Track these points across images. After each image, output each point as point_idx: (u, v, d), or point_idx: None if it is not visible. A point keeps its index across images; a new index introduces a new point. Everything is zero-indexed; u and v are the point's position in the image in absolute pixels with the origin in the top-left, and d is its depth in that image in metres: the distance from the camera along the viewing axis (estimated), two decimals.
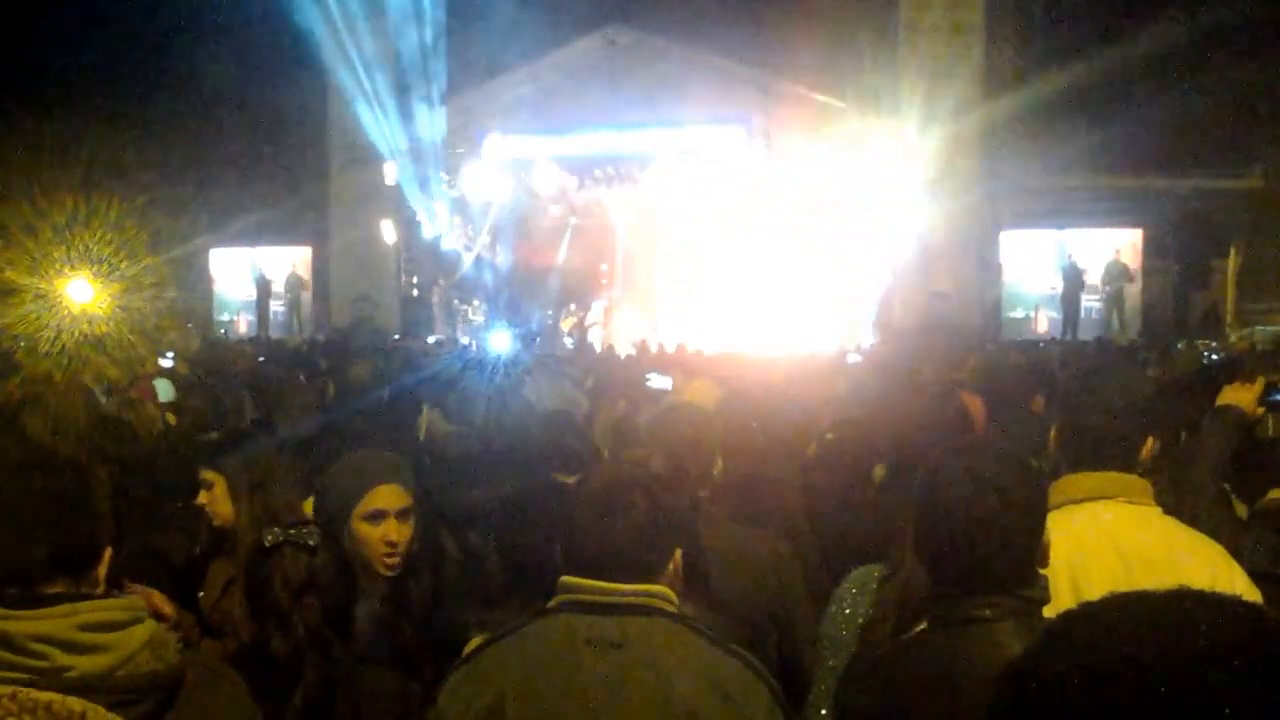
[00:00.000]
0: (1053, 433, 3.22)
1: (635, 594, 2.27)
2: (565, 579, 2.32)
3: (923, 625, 2.34)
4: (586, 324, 23.53)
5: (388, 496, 3.20)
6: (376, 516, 3.15)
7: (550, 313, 23.58)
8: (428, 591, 3.33)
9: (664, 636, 2.25)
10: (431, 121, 21.62)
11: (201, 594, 3.63)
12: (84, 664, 1.89)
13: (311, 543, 2.63)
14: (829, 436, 4.72)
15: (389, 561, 3.13)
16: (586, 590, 2.28)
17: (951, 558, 2.20)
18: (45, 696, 1.67)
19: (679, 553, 2.38)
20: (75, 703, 1.70)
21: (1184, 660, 1.00)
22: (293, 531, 2.65)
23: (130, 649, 1.94)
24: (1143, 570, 2.65)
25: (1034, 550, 2.26)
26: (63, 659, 1.88)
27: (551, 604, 2.34)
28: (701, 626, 2.35)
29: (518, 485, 3.54)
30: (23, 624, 1.89)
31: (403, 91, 21.58)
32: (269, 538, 2.64)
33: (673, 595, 2.32)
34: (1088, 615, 1.10)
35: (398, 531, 3.17)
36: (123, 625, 1.96)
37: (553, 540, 2.73)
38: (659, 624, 2.26)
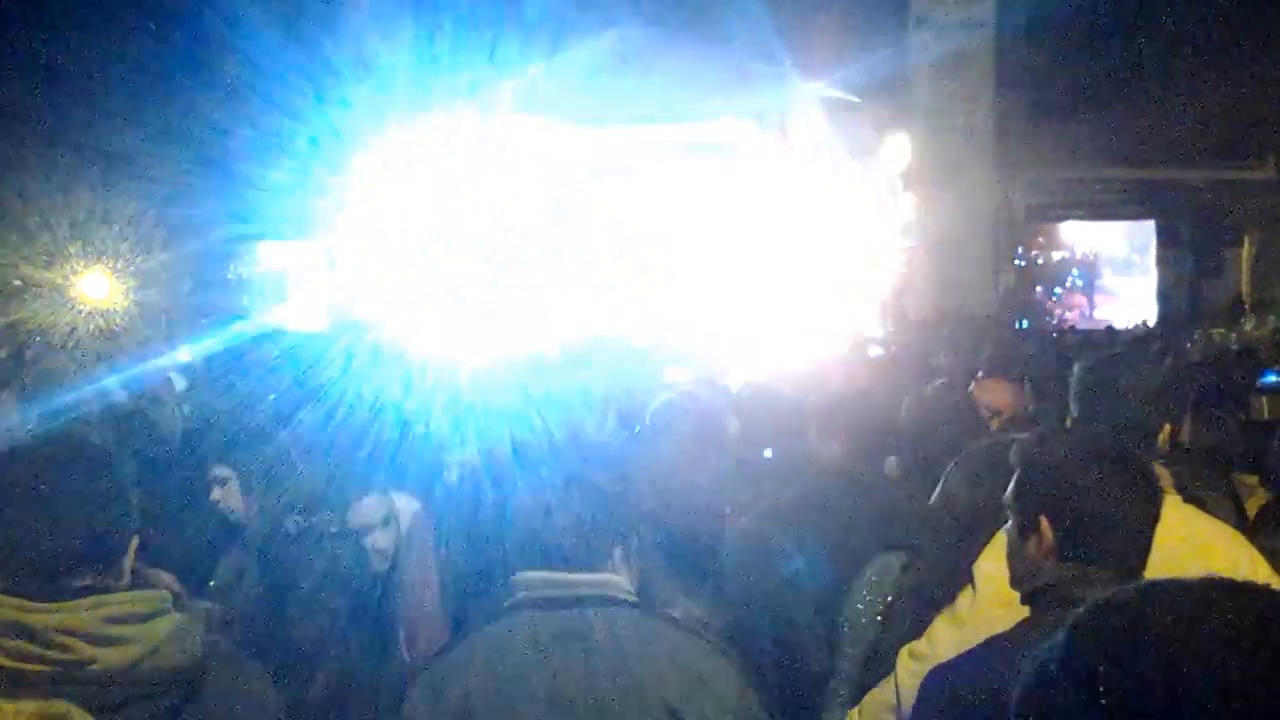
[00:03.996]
0: (1068, 422, 3.21)
1: (591, 584, 2.27)
2: (520, 575, 2.32)
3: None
4: None
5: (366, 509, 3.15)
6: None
7: None
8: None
9: (627, 625, 2.25)
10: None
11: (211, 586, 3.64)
12: (109, 656, 1.88)
13: (334, 530, 2.64)
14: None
15: (374, 567, 3.07)
16: (541, 584, 2.28)
17: (1088, 537, 2.15)
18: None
19: (633, 542, 2.38)
20: (59, 705, 1.72)
21: (1214, 648, 0.99)
22: (315, 519, 2.65)
23: (154, 641, 1.93)
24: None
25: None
26: (88, 651, 1.87)
27: (510, 602, 2.33)
28: (662, 612, 2.36)
29: None
30: (48, 616, 1.87)
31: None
32: (292, 525, 2.65)
33: (626, 583, 2.32)
34: (1116, 605, 1.08)
35: (382, 539, 3.12)
36: (147, 618, 1.95)
37: None
38: (620, 613, 2.26)
